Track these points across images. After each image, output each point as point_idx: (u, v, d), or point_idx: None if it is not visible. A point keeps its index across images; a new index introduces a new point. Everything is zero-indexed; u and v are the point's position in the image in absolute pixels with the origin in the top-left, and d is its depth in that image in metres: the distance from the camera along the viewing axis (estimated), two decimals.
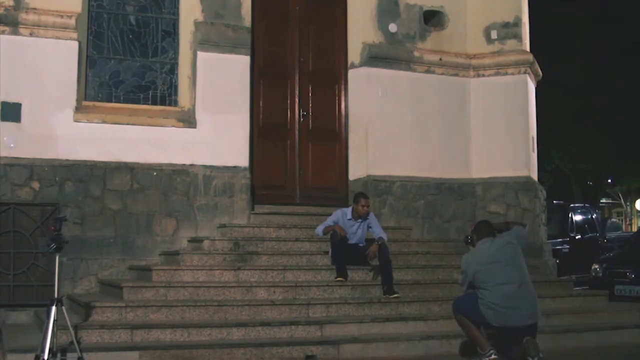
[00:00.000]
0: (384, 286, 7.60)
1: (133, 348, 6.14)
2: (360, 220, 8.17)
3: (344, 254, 7.84)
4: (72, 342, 5.62)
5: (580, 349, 7.24)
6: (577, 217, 14.60)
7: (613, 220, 26.12)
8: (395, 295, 7.49)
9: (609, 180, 29.25)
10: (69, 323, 5.66)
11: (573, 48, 20.74)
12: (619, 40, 20.76)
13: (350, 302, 7.39)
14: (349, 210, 8.22)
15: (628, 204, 38.25)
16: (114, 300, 7.12)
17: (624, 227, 36.22)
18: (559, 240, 13.35)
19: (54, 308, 5.53)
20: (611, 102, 21.01)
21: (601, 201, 34.46)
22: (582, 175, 26.09)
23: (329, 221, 8.11)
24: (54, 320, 5.51)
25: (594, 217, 15.18)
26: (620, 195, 37.08)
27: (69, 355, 5.74)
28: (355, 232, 8.15)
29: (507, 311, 5.96)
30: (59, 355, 5.64)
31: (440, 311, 7.53)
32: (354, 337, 6.82)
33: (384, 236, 8.01)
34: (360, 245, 8.07)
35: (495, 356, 6.04)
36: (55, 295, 5.66)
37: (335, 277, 7.68)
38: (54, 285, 5.75)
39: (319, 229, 8.08)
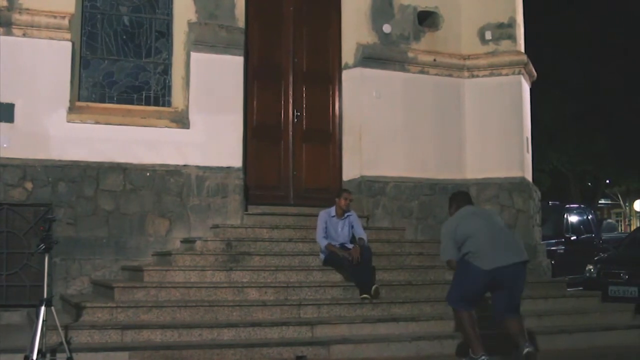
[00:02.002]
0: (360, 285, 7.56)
1: (123, 348, 6.14)
2: (344, 217, 8.20)
3: (341, 262, 7.82)
4: (62, 343, 5.64)
5: (572, 349, 7.25)
6: (573, 218, 14.58)
7: (609, 221, 26.13)
8: (364, 296, 7.41)
9: (608, 181, 29.22)
10: (58, 323, 5.67)
11: (572, 48, 20.74)
12: (618, 40, 20.76)
13: (342, 303, 7.39)
14: (332, 209, 8.24)
15: (627, 204, 38.21)
16: (105, 300, 7.14)
17: (623, 227, 36.27)
18: (554, 241, 13.33)
19: (43, 308, 5.55)
20: (610, 102, 21.00)
21: (600, 202, 34.43)
22: (580, 175, 26.07)
23: (320, 233, 8.04)
24: (43, 321, 5.53)
25: (589, 217, 15.14)
26: (619, 196, 37.03)
27: (58, 355, 5.77)
28: (342, 231, 8.16)
29: (493, 253, 5.95)
30: (48, 355, 5.66)
31: (431, 312, 7.54)
32: (345, 337, 6.82)
33: (365, 237, 8.07)
34: (348, 247, 8.03)
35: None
36: (45, 296, 5.69)
37: (360, 295, 7.50)
38: (42, 286, 5.78)
39: (321, 243, 8.00)
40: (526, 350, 5.88)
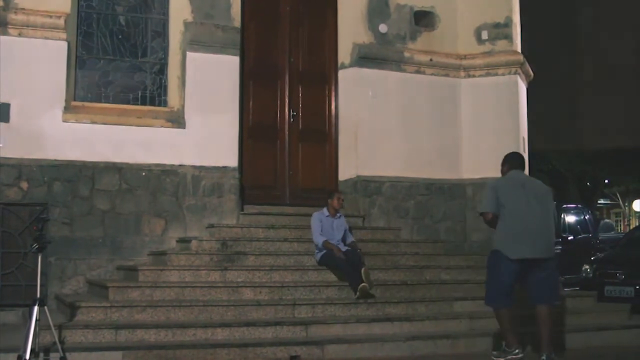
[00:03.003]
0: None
1: (116, 348, 6.14)
2: (336, 216, 8.26)
3: (337, 262, 7.82)
4: (55, 342, 5.64)
5: (569, 349, 7.24)
6: (570, 218, 14.53)
7: (606, 221, 26.09)
8: (357, 296, 7.42)
9: (607, 181, 29.19)
10: (51, 323, 5.68)
11: (571, 47, 20.72)
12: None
13: (336, 303, 7.39)
14: (324, 210, 8.26)
15: (626, 204, 38.16)
16: (100, 300, 7.13)
17: (622, 227, 36.20)
18: None
19: (36, 308, 5.56)
20: None
21: (599, 202, 34.39)
22: (579, 175, 26.05)
23: (316, 230, 8.05)
24: (37, 320, 5.53)
25: (586, 217, 15.11)
26: (618, 196, 37.00)
27: (52, 355, 5.78)
28: (337, 229, 8.18)
29: (523, 240, 5.93)
30: (41, 355, 5.67)
31: (426, 312, 7.55)
32: (339, 337, 6.82)
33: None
34: (342, 248, 7.99)
35: (522, 355, 6.10)
36: (38, 295, 5.69)
37: (356, 296, 7.46)
38: (37, 285, 5.78)
39: (319, 240, 8.01)
40: None
